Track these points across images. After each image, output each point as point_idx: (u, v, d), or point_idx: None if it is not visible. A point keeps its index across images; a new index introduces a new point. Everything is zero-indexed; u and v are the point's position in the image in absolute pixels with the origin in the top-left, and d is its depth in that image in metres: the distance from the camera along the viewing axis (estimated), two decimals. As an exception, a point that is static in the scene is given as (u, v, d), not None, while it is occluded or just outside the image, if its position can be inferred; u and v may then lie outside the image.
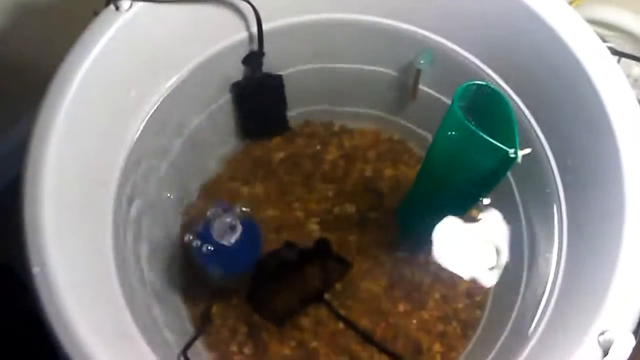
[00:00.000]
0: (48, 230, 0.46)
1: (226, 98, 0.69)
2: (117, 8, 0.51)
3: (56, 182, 0.48)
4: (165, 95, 0.60)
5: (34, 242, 0.45)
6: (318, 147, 0.79)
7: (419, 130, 0.78)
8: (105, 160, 0.55)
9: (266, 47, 0.63)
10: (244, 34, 0.62)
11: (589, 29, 0.53)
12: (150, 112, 0.59)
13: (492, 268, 0.68)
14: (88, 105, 0.51)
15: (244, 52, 0.64)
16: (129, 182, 0.58)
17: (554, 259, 0.57)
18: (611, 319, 0.44)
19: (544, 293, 0.56)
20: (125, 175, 0.57)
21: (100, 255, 0.53)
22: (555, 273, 0.56)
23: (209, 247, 0.62)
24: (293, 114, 0.77)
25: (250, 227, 0.65)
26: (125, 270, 0.56)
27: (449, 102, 0.66)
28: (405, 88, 0.71)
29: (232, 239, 0.62)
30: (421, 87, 0.70)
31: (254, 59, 0.64)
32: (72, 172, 0.50)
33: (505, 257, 0.67)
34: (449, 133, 0.51)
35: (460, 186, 0.55)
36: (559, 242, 0.57)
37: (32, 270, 0.44)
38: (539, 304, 0.55)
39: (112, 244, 0.54)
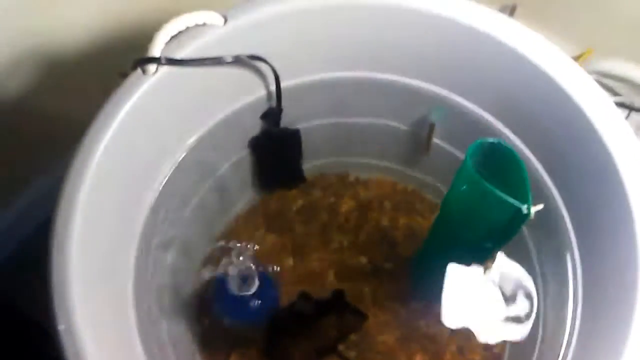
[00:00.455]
0: (74, 289, 0.47)
1: (245, 152, 0.71)
2: (144, 72, 0.54)
3: (83, 240, 0.49)
4: (187, 152, 0.62)
5: (60, 300, 0.46)
6: (333, 199, 0.81)
7: (433, 182, 0.79)
8: (129, 215, 0.57)
9: (284, 104, 0.65)
10: (262, 92, 0.64)
11: (595, 84, 0.54)
12: (171, 171, 0.61)
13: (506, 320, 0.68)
14: (114, 164, 0.53)
15: (262, 109, 0.66)
16: (149, 239, 0.60)
17: (569, 311, 0.57)
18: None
19: (561, 346, 0.56)
20: (146, 231, 0.59)
21: (122, 310, 0.54)
22: (571, 325, 0.56)
23: (227, 298, 0.63)
24: (309, 166, 0.79)
25: (268, 277, 0.65)
26: (146, 321, 0.57)
27: (462, 155, 0.68)
28: (418, 141, 0.73)
29: (249, 290, 0.63)
30: (435, 140, 0.71)
31: (272, 115, 0.66)
32: (98, 229, 0.51)
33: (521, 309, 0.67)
34: (463, 188, 0.53)
35: (474, 240, 0.56)
36: (574, 294, 0.58)
37: (58, 328, 0.45)
38: (557, 357, 0.55)
39: (133, 297, 0.55)
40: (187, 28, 0.55)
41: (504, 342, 0.70)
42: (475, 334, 0.56)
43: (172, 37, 0.55)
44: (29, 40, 0.73)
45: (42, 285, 0.48)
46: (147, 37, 0.55)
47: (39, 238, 0.49)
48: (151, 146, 0.58)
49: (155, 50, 0.54)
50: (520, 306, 0.63)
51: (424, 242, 0.69)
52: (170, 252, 0.66)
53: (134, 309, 0.55)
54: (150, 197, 0.60)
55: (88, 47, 0.78)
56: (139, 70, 0.54)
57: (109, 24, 0.79)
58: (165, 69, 0.55)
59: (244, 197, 0.79)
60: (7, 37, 0.70)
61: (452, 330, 0.71)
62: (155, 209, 0.60)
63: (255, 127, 0.69)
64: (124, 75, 0.55)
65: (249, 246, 0.62)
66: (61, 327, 0.45)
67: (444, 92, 0.65)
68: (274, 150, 0.72)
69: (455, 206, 0.57)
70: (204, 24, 0.56)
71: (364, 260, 0.77)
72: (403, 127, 0.73)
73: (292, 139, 0.72)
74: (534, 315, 0.60)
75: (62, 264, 0.48)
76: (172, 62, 0.55)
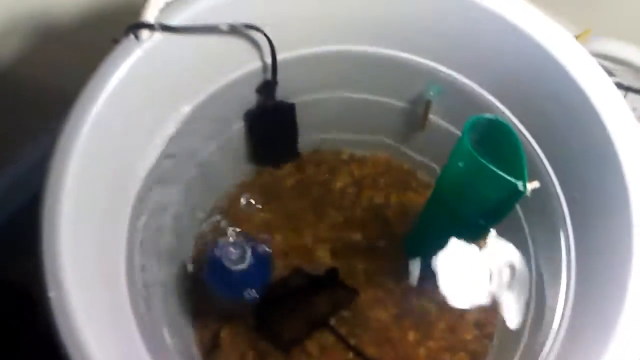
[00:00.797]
0: (65, 256, 0.46)
1: (239, 125, 0.70)
2: (137, 38, 0.53)
3: (73, 207, 0.48)
4: (181, 122, 0.61)
5: (51, 267, 0.46)
6: (327, 175, 0.81)
7: (428, 159, 0.79)
8: (121, 185, 0.56)
9: (279, 76, 0.64)
10: (258, 64, 0.63)
11: (596, 64, 0.54)
12: (166, 139, 0.60)
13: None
14: (107, 132, 0.52)
15: (257, 81, 0.65)
16: (142, 207, 0.59)
17: (562, 290, 0.57)
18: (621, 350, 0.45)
19: (552, 324, 0.56)
20: (139, 201, 0.58)
21: (113, 280, 0.53)
22: (563, 305, 0.57)
23: (219, 272, 0.63)
24: (303, 141, 0.78)
25: (261, 252, 0.65)
26: (137, 294, 0.57)
27: (458, 132, 0.68)
28: (414, 118, 0.72)
29: (242, 264, 0.63)
30: (431, 116, 0.70)
31: (267, 87, 0.66)
32: (89, 197, 0.51)
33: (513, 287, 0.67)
34: (459, 164, 0.52)
35: (468, 217, 0.56)
36: (567, 273, 0.58)
37: (49, 294, 0.45)
38: (548, 335, 0.56)
39: (125, 268, 0.55)
40: (183, -5, 0.54)
41: (495, 319, 0.70)
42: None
43: (167, 4, 0.54)
44: (24, 4, 0.71)
45: (34, 257, 0.48)
46: (141, 3, 0.54)
47: (31, 209, 0.49)
48: (144, 114, 0.57)
49: (149, 16, 0.53)
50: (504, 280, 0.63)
51: (418, 219, 0.69)
52: (162, 222, 0.66)
53: (126, 279, 0.54)
54: (144, 166, 0.59)
55: (84, 12, 0.77)
56: (131, 36, 0.53)
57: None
58: (158, 36, 0.53)
59: (237, 170, 0.79)
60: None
61: (444, 308, 0.71)
62: (148, 179, 0.59)
63: (250, 99, 0.68)
64: (117, 42, 0.54)
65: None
66: (52, 294, 0.45)
67: (441, 68, 0.64)
68: (269, 123, 0.71)
69: (450, 182, 0.56)
70: (200, -9, 0.55)
71: (357, 237, 0.77)
72: (399, 103, 0.72)
73: (288, 112, 0.71)
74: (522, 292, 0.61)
75: (53, 232, 0.47)
76: (165, 28, 0.53)
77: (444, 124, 0.71)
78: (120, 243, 0.56)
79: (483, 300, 0.59)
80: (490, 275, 0.60)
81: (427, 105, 0.69)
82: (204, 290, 0.66)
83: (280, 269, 0.71)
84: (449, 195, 0.57)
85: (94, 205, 0.52)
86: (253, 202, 0.78)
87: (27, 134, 0.84)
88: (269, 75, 0.64)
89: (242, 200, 0.79)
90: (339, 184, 0.80)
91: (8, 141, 0.83)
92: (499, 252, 0.62)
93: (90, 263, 0.50)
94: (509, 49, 0.57)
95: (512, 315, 0.62)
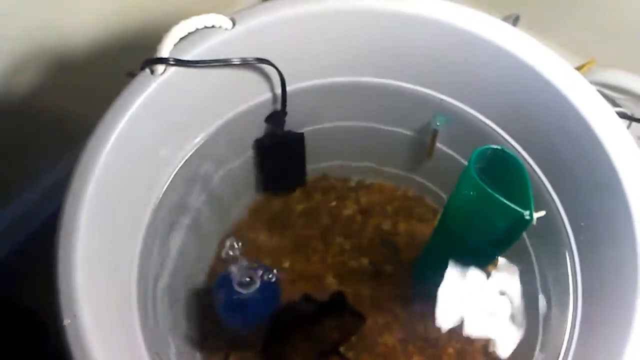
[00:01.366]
0: (79, 284, 0.47)
1: (249, 153, 0.72)
2: (152, 72, 0.55)
3: (88, 235, 0.50)
4: (192, 152, 0.63)
5: (66, 294, 0.47)
6: (334, 202, 0.82)
7: (435, 187, 0.80)
8: (134, 213, 0.58)
9: (289, 107, 0.66)
10: (268, 95, 0.65)
11: (598, 94, 0.55)
12: (177, 169, 0.62)
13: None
14: (122, 162, 0.53)
15: (267, 111, 0.67)
16: (153, 235, 0.61)
17: (569, 318, 0.58)
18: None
19: (560, 349, 0.57)
20: (150, 229, 0.59)
21: (125, 306, 0.54)
22: (570, 331, 0.57)
23: (228, 298, 0.63)
24: (311, 168, 0.79)
25: (269, 278, 0.66)
26: (147, 319, 0.57)
27: (464, 160, 0.69)
28: (421, 147, 0.73)
29: (250, 290, 0.63)
30: (437, 145, 0.72)
31: (277, 117, 0.67)
32: (104, 226, 0.52)
33: (520, 314, 0.67)
34: (465, 193, 0.53)
35: (475, 244, 0.56)
36: (573, 301, 0.58)
37: (63, 322, 0.46)
38: (558, 357, 0.56)
39: (136, 293, 0.56)
40: (197, 30, 0.56)
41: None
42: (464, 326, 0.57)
43: (181, 39, 0.55)
44: (41, 36, 0.73)
45: (46, 281, 0.48)
46: (156, 38, 0.56)
47: (43, 236, 0.50)
48: (158, 144, 0.58)
49: (164, 51, 0.54)
50: (506, 307, 0.64)
51: (426, 246, 0.70)
52: (172, 251, 0.67)
53: (137, 306, 0.55)
54: (156, 194, 0.60)
55: (98, 46, 0.79)
56: (147, 71, 0.54)
57: (120, 24, 0.80)
58: (173, 70, 0.55)
59: (246, 197, 0.80)
60: (19, 32, 0.71)
61: (451, 334, 0.72)
62: (160, 206, 0.60)
63: (260, 128, 0.70)
64: (132, 75, 0.56)
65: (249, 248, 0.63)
66: (66, 322, 0.46)
67: (447, 99, 0.65)
68: (278, 152, 0.73)
69: (458, 211, 0.57)
70: (213, 27, 0.56)
71: (364, 262, 0.77)
72: (406, 132, 0.73)
73: (296, 142, 0.72)
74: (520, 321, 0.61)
75: (68, 262, 0.48)
76: (180, 62, 0.55)
77: (450, 152, 0.72)
78: (132, 270, 0.57)
79: (481, 328, 0.59)
80: (491, 304, 0.61)
81: (434, 134, 0.70)
82: (213, 316, 0.67)
83: (288, 295, 0.72)
84: (456, 223, 0.58)
85: (108, 233, 0.53)
86: (260, 228, 0.79)
87: (42, 161, 0.85)
88: (278, 106, 0.66)
89: (250, 227, 0.80)
90: (346, 211, 0.81)
91: (24, 169, 0.84)
92: (502, 281, 0.63)
93: (104, 291, 0.51)
94: (512, 81, 0.59)
95: (505, 344, 0.63)
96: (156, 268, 0.63)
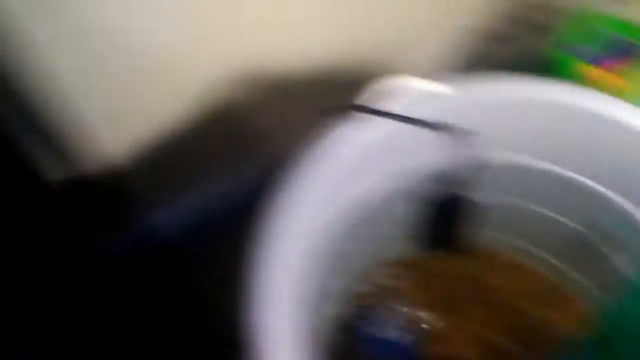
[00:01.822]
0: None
1: (414, 206, 0.74)
2: (348, 117, 0.59)
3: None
4: (367, 197, 0.67)
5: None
6: (487, 274, 0.82)
7: (591, 285, 0.78)
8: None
9: (467, 175, 0.68)
10: (445, 156, 0.66)
11: None
12: (356, 211, 0.66)
13: None
14: (312, 199, 0.57)
15: (445, 172, 0.69)
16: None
17: None
18: None
19: None
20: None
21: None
22: None
23: (370, 339, 0.65)
24: (468, 234, 0.80)
25: (410, 330, 0.66)
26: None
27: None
28: (585, 244, 0.72)
29: (392, 336, 0.64)
30: (602, 249, 0.70)
31: (453, 181, 0.70)
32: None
33: None
34: (631, 306, 0.52)
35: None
36: None
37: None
38: None
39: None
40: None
41: None
42: None
43: (383, 90, 0.60)
44: (251, 59, 0.81)
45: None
46: (361, 78, 0.60)
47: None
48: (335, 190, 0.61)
49: (363, 99, 0.59)
50: None
51: (569, 344, 0.68)
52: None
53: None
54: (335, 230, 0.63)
55: (302, 76, 0.86)
56: (344, 114, 0.59)
57: (330, 59, 0.86)
58: (368, 117, 0.59)
59: (399, 249, 0.82)
60: (229, 55, 0.78)
61: None
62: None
63: (429, 186, 0.72)
64: (327, 113, 0.60)
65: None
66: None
67: (629, 206, 0.64)
68: (443, 212, 0.75)
69: (616, 319, 0.56)
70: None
71: (510, 344, 0.76)
72: (575, 225, 0.73)
73: (466, 208, 0.74)
74: None
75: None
76: (375, 112, 0.60)
77: (617, 257, 0.70)
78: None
79: None
80: None
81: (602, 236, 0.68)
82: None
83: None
84: (613, 332, 0.56)
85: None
86: (407, 280, 0.81)
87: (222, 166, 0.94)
88: (458, 170, 0.68)
89: (396, 276, 0.82)
90: (496, 285, 0.81)
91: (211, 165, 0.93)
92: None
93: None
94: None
95: None
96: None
